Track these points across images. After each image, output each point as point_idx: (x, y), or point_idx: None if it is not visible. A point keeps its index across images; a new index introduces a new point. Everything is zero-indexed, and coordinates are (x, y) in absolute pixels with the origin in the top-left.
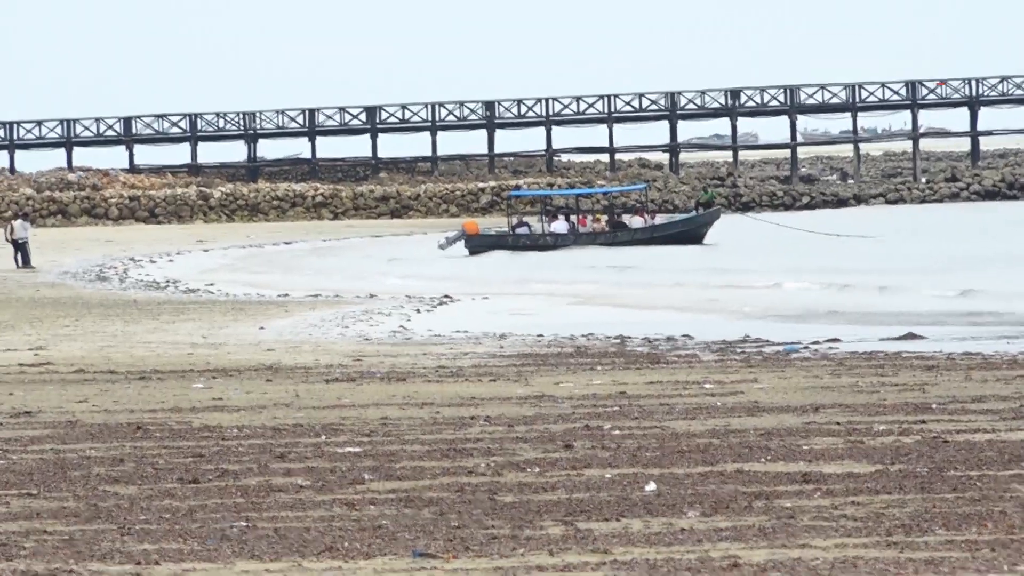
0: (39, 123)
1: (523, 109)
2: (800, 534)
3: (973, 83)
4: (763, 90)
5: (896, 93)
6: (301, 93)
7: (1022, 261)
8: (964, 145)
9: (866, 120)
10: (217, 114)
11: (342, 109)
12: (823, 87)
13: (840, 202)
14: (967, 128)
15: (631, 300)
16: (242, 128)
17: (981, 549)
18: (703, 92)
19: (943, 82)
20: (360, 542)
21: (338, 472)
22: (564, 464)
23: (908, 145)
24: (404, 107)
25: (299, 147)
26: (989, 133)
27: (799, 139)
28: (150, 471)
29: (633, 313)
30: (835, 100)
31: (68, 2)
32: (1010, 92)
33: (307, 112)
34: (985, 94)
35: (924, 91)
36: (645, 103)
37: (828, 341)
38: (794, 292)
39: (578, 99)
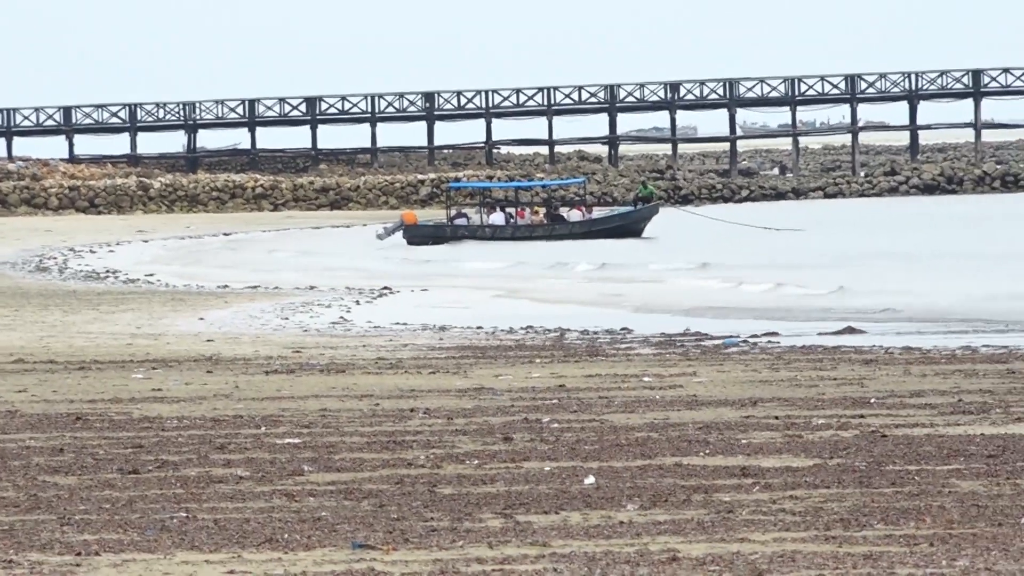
0: None
1: (463, 101)
2: (739, 528)
3: (912, 77)
4: (702, 83)
5: (835, 87)
6: (240, 84)
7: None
8: (903, 139)
9: (805, 114)
10: (157, 104)
11: (282, 100)
12: (762, 80)
13: (779, 195)
14: (906, 122)
15: (567, 294)
16: (182, 118)
17: (919, 544)
18: (642, 85)
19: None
20: (300, 533)
21: (278, 463)
22: (503, 457)
23: (847, 139)
24: (343, 98)
25: (239, 138)
26: (928, 127)
27: (738, 132)
28: (90, 461)
29: (570, 307)
30: (774, 94)
31: None
32: (949, 87)
33: (247, 103)
34: (924, 88)
35: (863, 85)
36: (584, 96)
37: (766, 335)
38: (729, 288)
39: (518, 91)
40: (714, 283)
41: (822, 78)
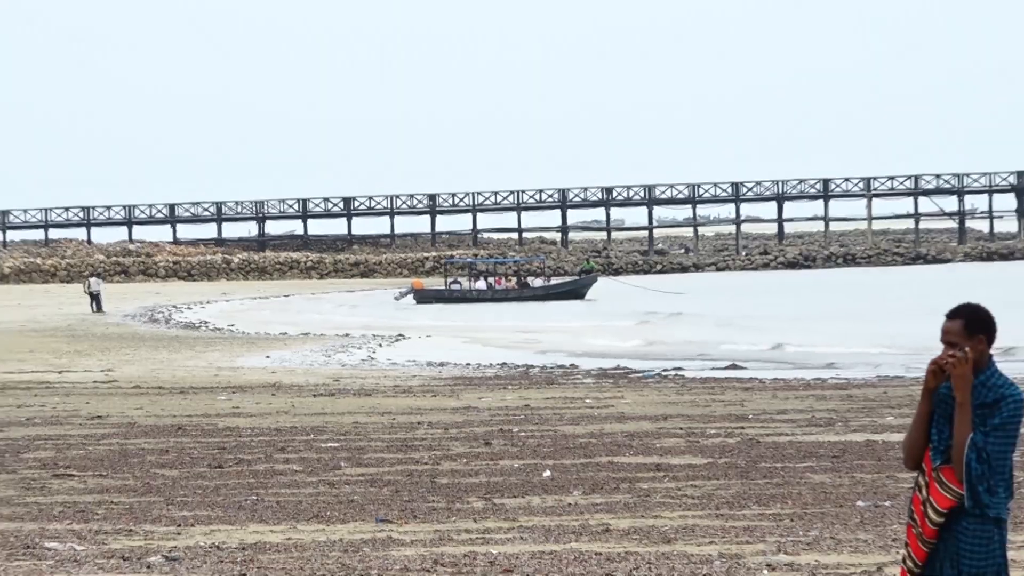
0: (108, 208)
1: (456, 200)
2: (654, 508)
3: (780, 184)
4: (628, 188)
5: (724, 191)
6: (296, 186)
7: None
8: (773, 228)
9: (702, 210)
10: (236, 202)
11: (326, 199)
12: (671, 186)
13: (683, 269)
14: (775, 216)
15: (529, 341)
16: (254, 212)
17: (783, 520)
18: (585, 188)
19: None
20: (338, 511)
21: (322, 461)
22: (484, 456)
23: (732, 228)
24: (370, 198)
25: (295, 226)
26: (791, 220)
27: (655, 223)
28: (187, 459)
29: (530, 352)
30: (680, 195)
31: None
32: (806, 191)
33: (301, 201)
34: (788, 192)
35: (744, 189)
36: (544, 196)
37: (675, 369)
38: (649, 337)
39: (495, 193)
40: (636, 335)
41: (715, 184)
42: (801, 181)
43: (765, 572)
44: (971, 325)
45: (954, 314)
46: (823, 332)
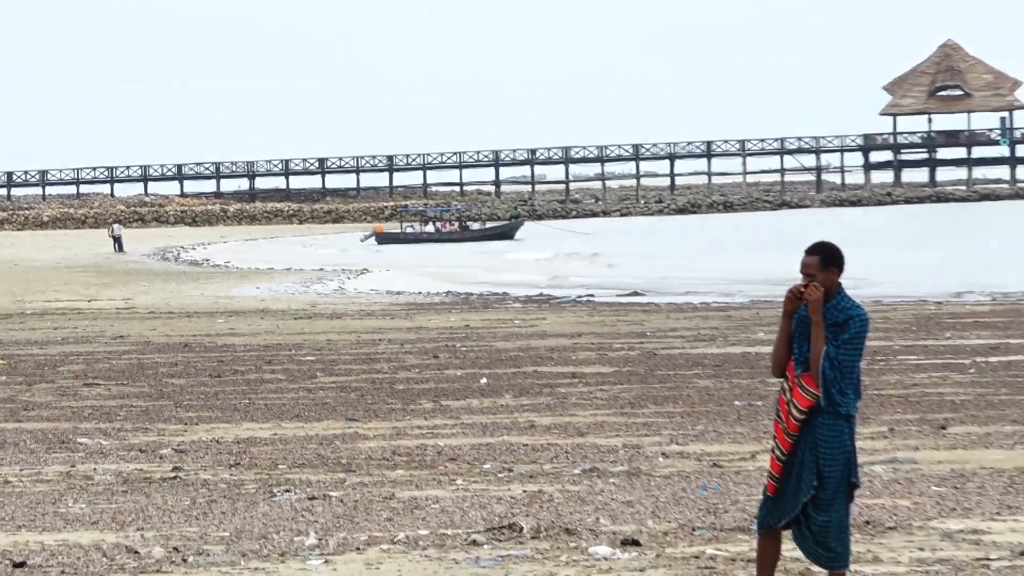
0: (127, 167)
1: (409, 160)
2: (570, 408)
3: (672, 145)
4: (548, 149)
5: (627, 151)
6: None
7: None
8: (666, 182)
9: (610, 167)
10: (232, 162)
11: (304, 159)
12: (584, 147)
13: (594, 215)
14: (668, 171)
15: (473, 277)
16: (246, 171)
17: (675, 417)
18: (514, 150)
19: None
20: (314, 412)
21: (301, 371)
22: (433, 367)
23: (633, 182)
24: (340, 158)
25: (279, 182)
26: (680, 174)
27: (571, 178)
28: (192, 370)
29: (469, 283)
30: (591, 155)
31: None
32: (692, 151)
33: (284, 161)
34: (678, 152)
35: (643, 150)
36: (480, 156)
37: (587, 295)
38: (566, 269)
39: (441, 154)
40: (556, 268)
41: (619, 146)
42: (689, 143)
43: (660, 459)
44: (825, 259)
45: (811, 250)
46: (701, 265)
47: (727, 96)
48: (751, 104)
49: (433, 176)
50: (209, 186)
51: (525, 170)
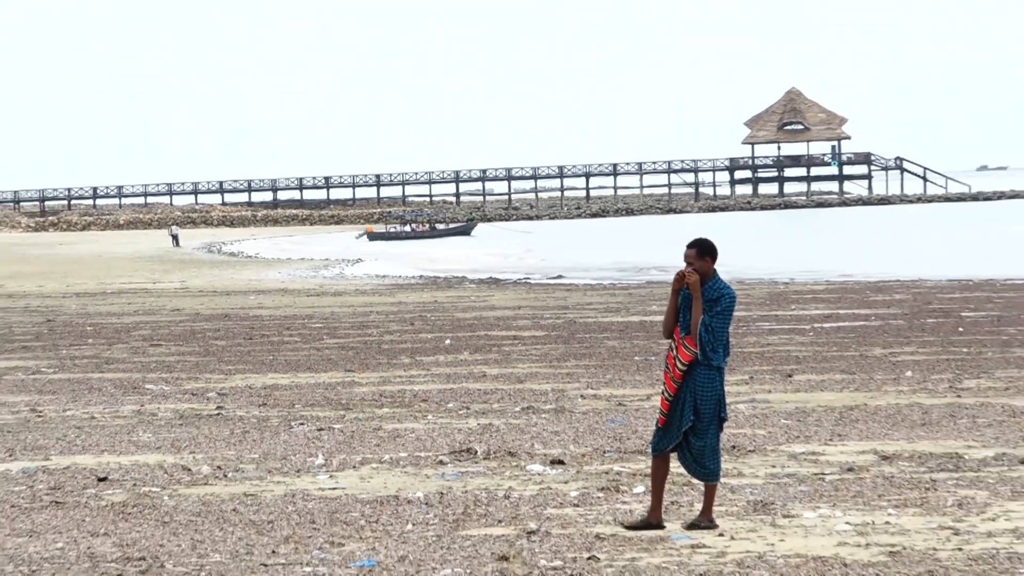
0: (182, 183)
1: (392, 178)
2: (513, 362)
3: (587, 166)
4: (496, 170)
5: (553, 171)
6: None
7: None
8: (583, 193)
9: (541, 183)
10: (261, 179)
11: (313, 177)
12: (521, 168)
13: (529, 218)
14: (584, 186)
15: (439, 264)
16: (271, 186)
17: (591, 369)
18: (470, 171)
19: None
20: (321, 365)
21: (312, 335)
22: (410, 332)
23: (558, 193)
24: (340, 176)
25: (295, 195)
26: (597, 188)
27: (512, 191)
28: (230, 334)
29: (437, 269)
30: (527, 174)
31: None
32: (603, 170)
33: (299, 179)
34: (592, 171)
35: (567, 171)
36: (446, 175)
37: (524, 278)
38: (512, 259)
39: (416, 173)
40: (501, 258)
41: (547, 167)
42: (600, 164)
43: (579, 400)
44: (701, 251)
45: (692, 245)
46: (609, 256)
47: (627, 129)
48: (646, 135)
49: (409, 189)
50: (242, 197)
51: (478, 185)
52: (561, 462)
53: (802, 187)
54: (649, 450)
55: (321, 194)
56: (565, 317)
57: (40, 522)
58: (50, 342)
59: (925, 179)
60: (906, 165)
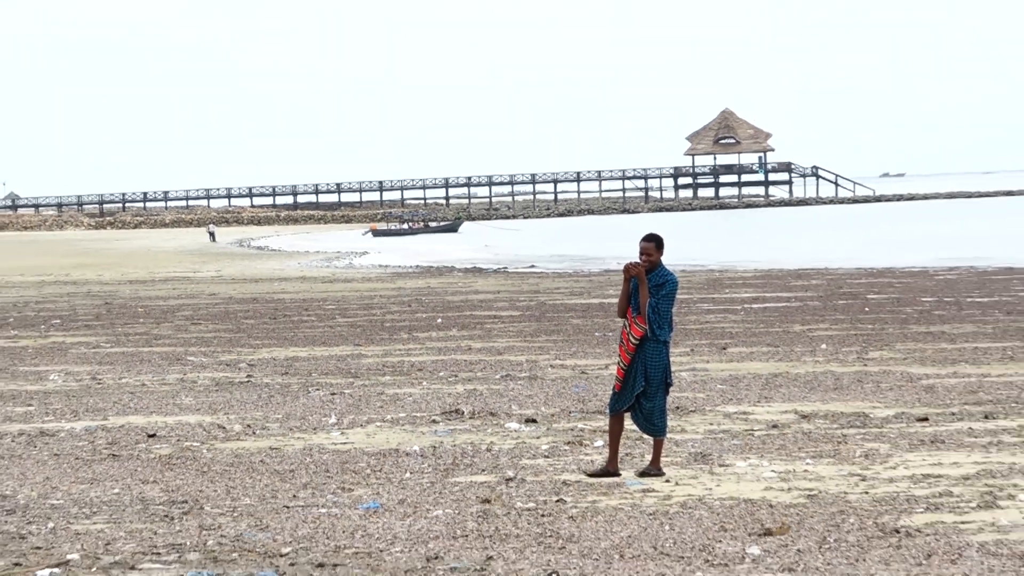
0: (218, 188)
1: (392, 184)
2: (494, 337)
3: (555, 174)
4: (479, 176)
5: (527, 178)
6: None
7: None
8: (551, 197)
9: (517, 188)
10: (283, 186)
11: (327, 183)
12: (500, 175)
13: (507, 217)
14: (552, 191)
15: (432, 256)
16: (291, 191)
17: (559, 343)
18: (457, 177)
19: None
20: (334, 340)
21: (326, 314)
22: (407, 312)
23: (531, 197)
24: (349, 182)
25: (311, 198)
26: (562, 192)
27: (493, 195)
28: (258, 315)
29: (430, 260)
30: (505, 180)
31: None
32: (568, 177)
33: (315, 184)
34: (559, 178)
35: (538, 177)
36: (437, 181)
37: (503, 267)
38: (490, 252)
39: (412, 180)
40: (486, 252)
41: (522, 174)
42: (566, 172)
43: (549, 369)
44: (659, 244)
45: (648, 238)
46: (573, 249)
47: (586, 144)
48: (605, 148)
49: (407, 193)
50: (268, 200)
51: (464, 190)
52: (534, 421)
53: (734, 191)
54: (607, 410)
55: (333, 197)
56: (537, 300)
57: (99, 472)
58: (108, 321)
59: (837, 184)
60: (821, 172)
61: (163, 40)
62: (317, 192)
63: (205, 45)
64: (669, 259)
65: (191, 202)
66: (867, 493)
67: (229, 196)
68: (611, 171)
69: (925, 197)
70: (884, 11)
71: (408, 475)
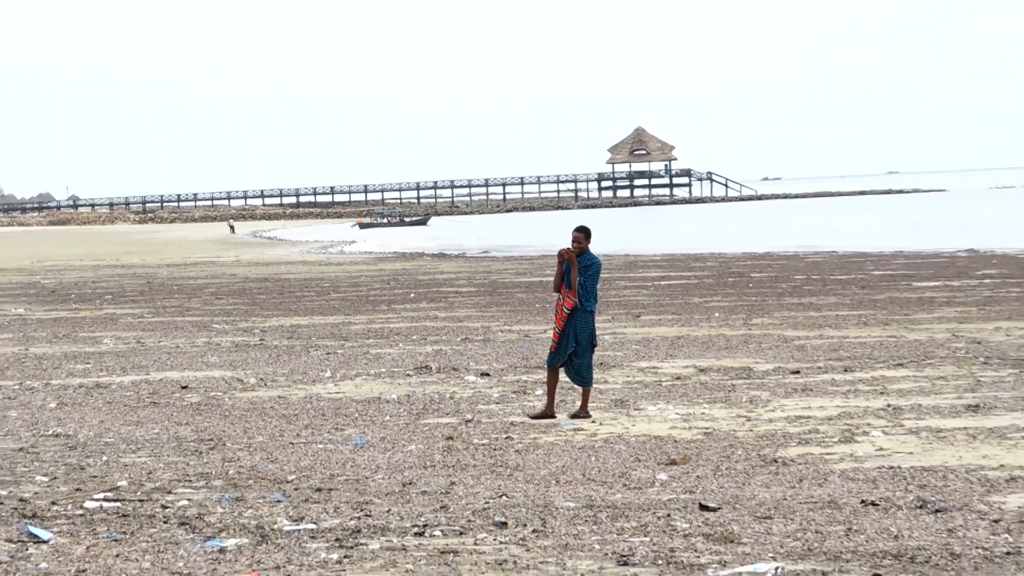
0: (237, 190)
1: (375, 187)
2: (455, 309)
3: (503, 178)
4: (443, 180)
5: (481, 182)
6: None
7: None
8: (500, 196)
9: (473, 190)
10: (287, 188)
11: (323, 186)
12: (460, 179)
13: (464, 214)
14: (501, 192)
15: (406, 244)
16: (295, 192)
17: (509, 314)
18: (426, 181)
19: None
20: (329, 311)
21: (321, 290)
22: (387, 289)
23: (485, 197)
24: (340, 185)
25: (311, 198)
26: (508, 193)
27: (454, 196)
28: (268, 291)
29: (404, 248)
30: (463, 184)
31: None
32: (512, 181)
33: (313, 188)
34: (505, 182)
35: (491, 181)
36: (409, 184)
37: (462, 253)
38: (450, 242)
39: (390, 184)
40: (448, 241)
41: (478, 179)
42: (513, 177)
43: (500, 333)
44: (588, 235)
45: (580, 229)
46: (518, 238)
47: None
48: (543, 156)
49: (387, 195)
50: (276, 200)
51: (432, 191)
52: (488, 374)
53: (646, 192)
54: (546, 365)
55: (328, 197)
56: (490, 279)
57: (143, 416)
58: (149, 297)
59: (727, 186)
60: (714, 177)
61: (198, 59)
62: (315, 193)
63: (244, 63)
64: (595, 246)
65: (215, 201)
66: (751, 431)
67: (246, 197)
68: (548, 176)
69: (797, 196)
70: (765, 35)
71: (388, 418)
